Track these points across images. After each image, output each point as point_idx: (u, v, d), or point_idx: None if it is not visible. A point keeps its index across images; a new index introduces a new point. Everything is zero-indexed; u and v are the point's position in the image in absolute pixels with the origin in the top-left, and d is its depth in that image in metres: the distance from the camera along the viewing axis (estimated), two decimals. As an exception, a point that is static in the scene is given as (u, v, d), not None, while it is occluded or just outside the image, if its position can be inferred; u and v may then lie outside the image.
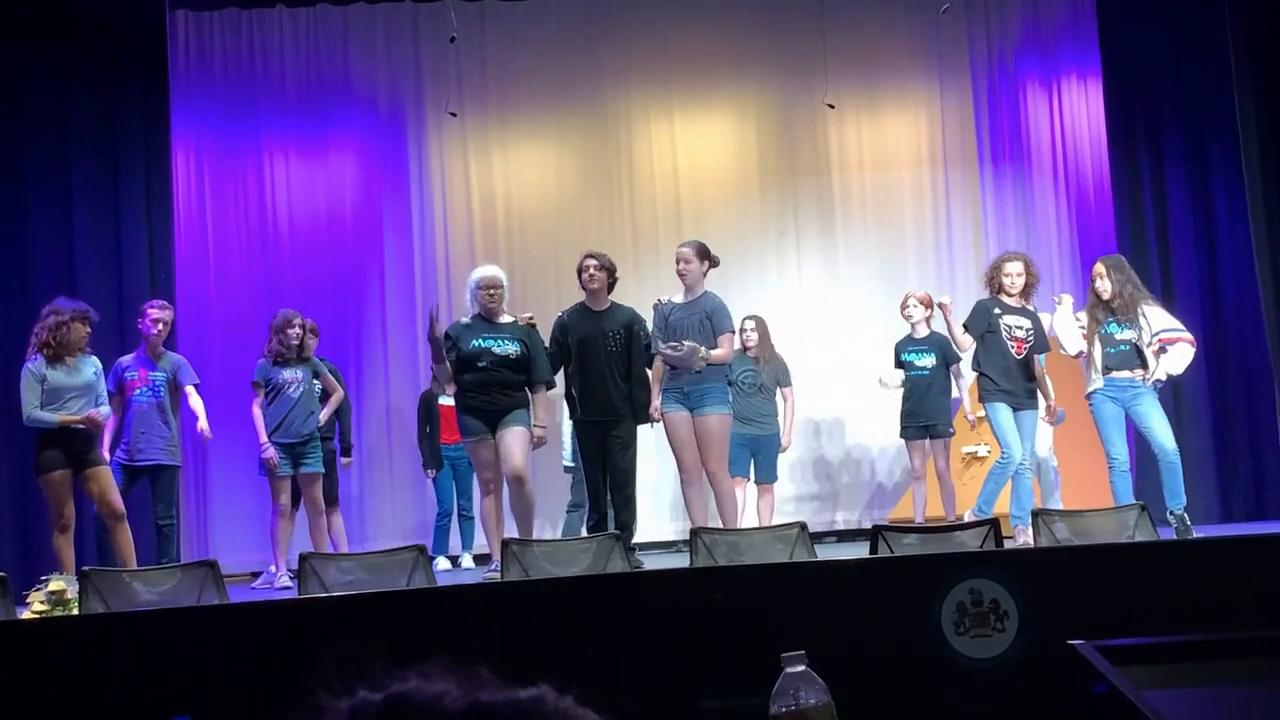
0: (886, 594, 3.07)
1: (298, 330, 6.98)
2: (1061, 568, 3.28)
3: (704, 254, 6.55)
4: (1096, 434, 6.72)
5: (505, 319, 6.44)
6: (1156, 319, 6.77)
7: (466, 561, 8.04)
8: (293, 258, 9.10)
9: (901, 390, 7.54)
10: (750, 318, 7.76)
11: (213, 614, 3.40)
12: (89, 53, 8.52)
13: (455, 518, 8.11)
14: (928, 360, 7.44)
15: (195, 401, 6.98)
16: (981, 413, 7.01)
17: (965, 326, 7.01)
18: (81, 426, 6.22)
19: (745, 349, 7.62)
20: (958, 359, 7.42)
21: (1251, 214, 8.62)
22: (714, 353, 6.39)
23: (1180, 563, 3.32)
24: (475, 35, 9.31)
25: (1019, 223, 9.39)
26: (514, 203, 9.38)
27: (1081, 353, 6.76)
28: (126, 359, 6.93)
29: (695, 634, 2.97)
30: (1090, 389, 6.73)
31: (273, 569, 7.04)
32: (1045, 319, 7.07)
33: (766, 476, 7.65)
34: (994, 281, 7.01)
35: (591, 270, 6.48)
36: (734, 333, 6.77)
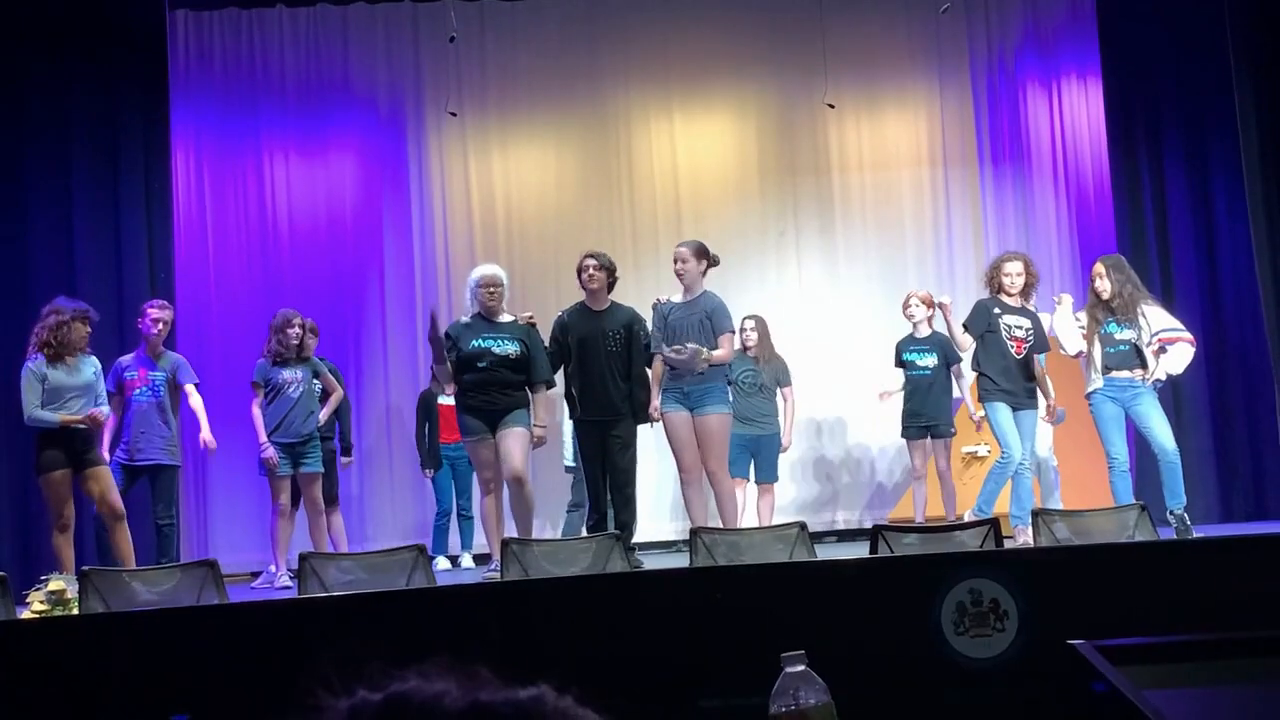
0: (886, 594, 3.07)
1: (297, 330, 6.98)
2: (1061, 568, 3.29)
3: (701, 253, 6.55)
4: (1096, 434, 6.72)
5: (505, 318, 6.44)
6: (1156, 319, 6.77)
7: (466, 561, 8.03)
8: (292, 257, 9.10)
9: (903, 391, 7.54)
10: (750, 317, 7.76)
11: (212, 614, 3.40)
12: (89, 52, 8.52)
13: (455, 517, 8.11)
14: (930, 360, 7.43)
15: (195, 401, 6.99)
16: (984, 412, 7.01)
17: (965, 326, 7.01)
18: (83, 426, 6.22)
19: (745, 349, 7.62)
20: (959, 359, 7.42)
21: (1251, 214, 8.62)
22: (715, 353, 6.40)
23: (1180, 563, 3.32)
24: (475, 35, 9.31)
25: (1019, 223, 9.39)
26: (514, 202, 9.38)
27: (1081, 353, 6.76)
28: (126, 359, 6.93)
29: (695, 634, 2.97)
30: (1090, 389, 6.73)
31: (272, 569, 7.04)
32: (1045, 319, 7.07)
33: (767, 476, 7.65)
34: (994, 281, 7.01)
35: (591, 270, 6.48)
36: (734, 332, 6.77)
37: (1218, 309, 8.86)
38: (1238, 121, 8.69)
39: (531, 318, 6.56)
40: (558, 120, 9.41)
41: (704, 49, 9.40)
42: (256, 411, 6.95)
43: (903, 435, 7.56)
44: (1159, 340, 6.70)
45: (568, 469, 7.94)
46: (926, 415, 7.39)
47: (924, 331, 7.52)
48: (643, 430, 6.62)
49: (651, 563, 7.00)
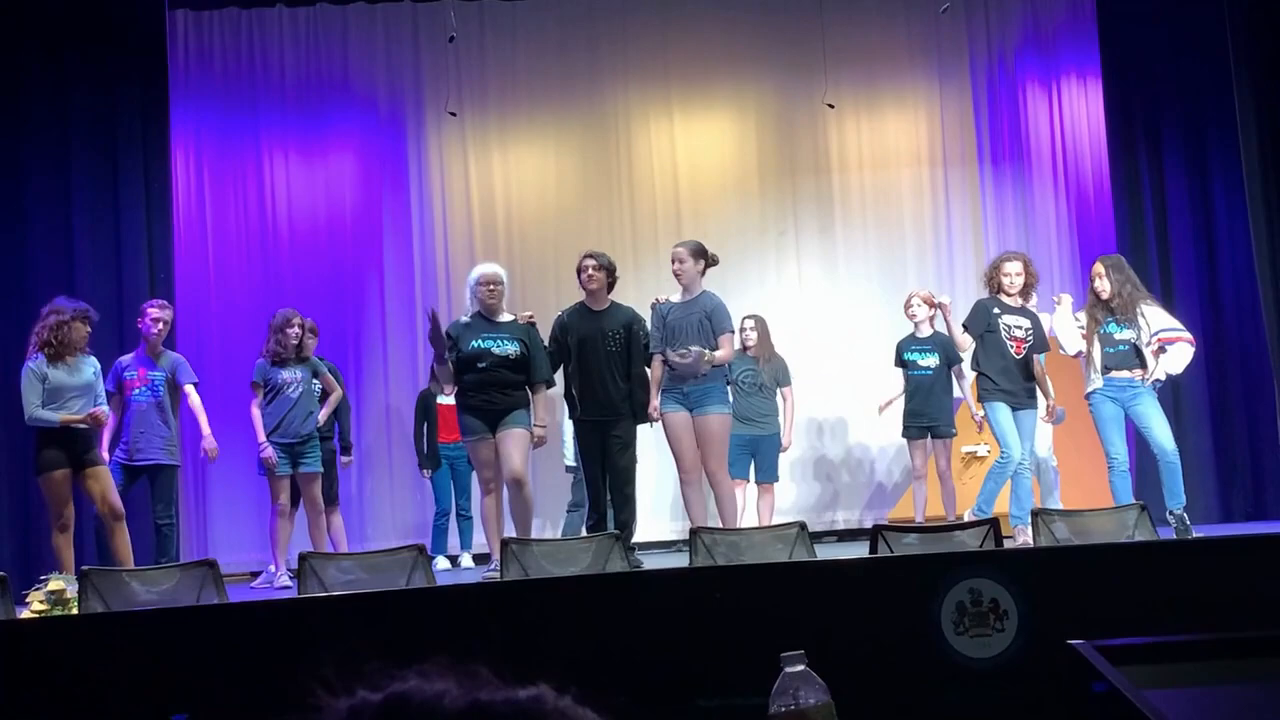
0: (886, 594, 3.07)
1: (297, 330, 6.98)
2: (1061, 567, 3.28)
3: (698, 253, 6.55)
4: (1096, 434, 6.72)
5: (505, 317, 6.44)
6: (1155, 319, 6.77)
7: (466, 561, 8.03)
8: (292, 257, 9.09)
9: (904, 391, 7.54)
10: (750, 317, 7.76)
11: (212, 614, 3.40)
12: (88, 52, 8.52)
13: (454, 517, 8.11)
14: (931, 360, 7.43)
15: (195, 401, 6.99)
16: (984, 412, 7.01)
17: (964, 326, 7.01)
18: (84, 426, 6.22)
19: (745, 348, 7.62)
20: (959, 359, 7.42)
21: (1251, 214, 8.63)
22: (716, 354, 6.40)
23: (1180, 563, 3.32)
24: (474, 35, 9.31)
25: (1018, 222, 9.39)
26: (513, 202, 9.38)
27: (1081, 353, 6.76)
28: (126, 358, 6.93)
29: (695, 634, 2.96)
30: (1089, 389, 6.73)
31: (272, 569, 7.04)
32: (1045, 319, 7.07)
33: (767, 476, 7.65)
34: (993, 281, 7.02)
35: (590, 270, 6.48)
36: (733, 332, 6.77)
37: (1218, 309, 8.86)
38: (1238, 121, 8.69)
39: (531, 317, 6.56)
40: (557, 120, 9.41)
41: (704, 49, 9.40)
42: (256, 411, 6.94)
43: (903, 435, 7.56)
44: (1158, 340, 6.70)
45: (568, 469, 7.94)
46: (928, 415, 7.39)
47: (925, 331, 7.52)
48: (643, 430, 6.62)
49: (651, 563, 7.00)
